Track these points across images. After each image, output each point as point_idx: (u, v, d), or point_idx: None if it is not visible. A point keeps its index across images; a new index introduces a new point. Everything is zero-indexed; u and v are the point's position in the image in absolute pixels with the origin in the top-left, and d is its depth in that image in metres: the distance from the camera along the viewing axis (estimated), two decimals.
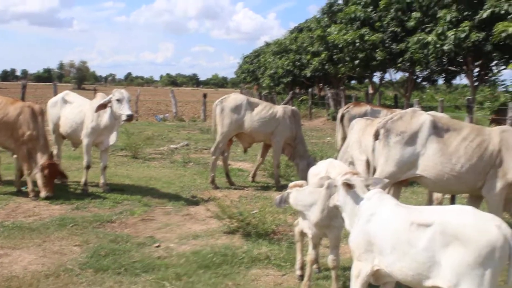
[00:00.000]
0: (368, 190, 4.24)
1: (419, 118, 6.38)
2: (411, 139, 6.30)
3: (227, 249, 6.37)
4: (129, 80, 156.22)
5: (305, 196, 4.98)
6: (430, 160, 6.25)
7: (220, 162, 10.85)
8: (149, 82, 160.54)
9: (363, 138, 7.81)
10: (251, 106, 10.34)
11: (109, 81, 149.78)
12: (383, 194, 4.16)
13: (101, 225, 7.42)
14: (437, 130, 6.30)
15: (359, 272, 4.07)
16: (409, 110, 6.75)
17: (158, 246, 6.60)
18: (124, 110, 8.70)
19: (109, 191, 9.31)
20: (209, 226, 7.58)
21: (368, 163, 7.78)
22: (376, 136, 6.52)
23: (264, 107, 10.46)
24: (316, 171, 5.48)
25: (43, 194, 8.52)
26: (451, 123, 6.46)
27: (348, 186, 4.24)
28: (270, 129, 10.33)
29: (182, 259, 6.08)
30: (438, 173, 6.24)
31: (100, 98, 9.10)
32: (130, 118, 8.76)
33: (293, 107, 11.35)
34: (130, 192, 9.37)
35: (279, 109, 10.55)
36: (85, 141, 9.16)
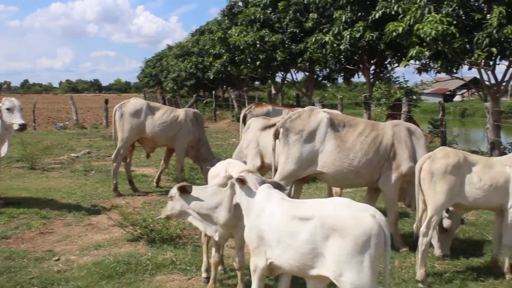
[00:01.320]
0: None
1: (317, 116, 6.54)
2: (310, 137, 6.44)
3: (130, 257, 6.21)
4: (26, 88, 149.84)
5: (209, 197, 4.91)
6: (329, 157, 6.43)
7: (122, 169, 10.59)
8: (48, 89, 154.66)
9: (260, 138, 7.88)
10: (152, 111, 10.17)
11: (4, 89, 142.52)
12: (271, 189, 4.26)
13: None
14: (334, 127, 6.49)
15: (255, 267, 4.18)
16: (306, 108, 6.90)
17: (57, 260, 6.33)
18: (16, 119, 8.26)
19: (3, 205, 8.78)
20: (112, 235, 7.38)
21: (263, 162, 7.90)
22: (276, 136, 6.61)
23: (166, 111, 10.33)
24: (216, 172, 5.46)
25: None
26: (347, 120, 6.68)
27: (242, 182, 4.33)
28: (172, 133, 10.21)
29: (83, 271, 5.87)
30: (337, 169, 6.43)
31: None
32: (23, 127, 8.34)
33: (195, 110, 11.29)
34: (27, 205, 8.90)
35: (180, 113, 10.45)
36: None
